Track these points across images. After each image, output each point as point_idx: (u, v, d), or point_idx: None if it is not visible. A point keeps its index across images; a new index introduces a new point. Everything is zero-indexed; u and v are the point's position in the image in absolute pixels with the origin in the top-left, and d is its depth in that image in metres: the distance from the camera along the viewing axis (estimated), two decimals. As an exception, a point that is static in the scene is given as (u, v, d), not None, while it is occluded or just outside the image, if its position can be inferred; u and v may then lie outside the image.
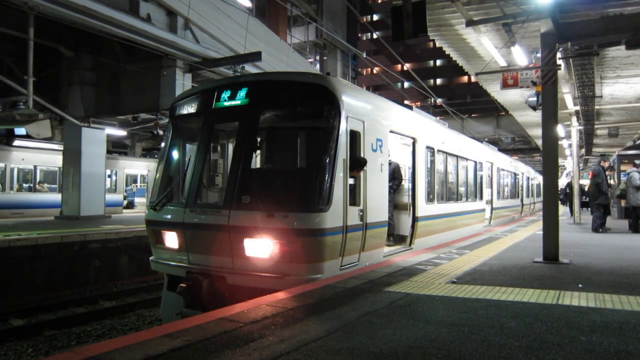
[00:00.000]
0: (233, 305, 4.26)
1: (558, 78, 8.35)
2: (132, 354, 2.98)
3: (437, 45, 12.65)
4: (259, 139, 6.73)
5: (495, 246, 9.10)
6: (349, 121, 5.90)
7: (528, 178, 24.56)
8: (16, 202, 19.88)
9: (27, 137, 18.84)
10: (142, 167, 27.33)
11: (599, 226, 12.75)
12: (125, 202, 25.82)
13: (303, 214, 5.37)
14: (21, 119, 12.90)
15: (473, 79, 34.28)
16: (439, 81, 75.43)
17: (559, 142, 18.88)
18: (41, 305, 9.70)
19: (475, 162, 12.91)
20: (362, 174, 6.16)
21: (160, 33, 13.72)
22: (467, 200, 12.05)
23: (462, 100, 55.54)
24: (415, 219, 8.20)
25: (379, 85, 62.50)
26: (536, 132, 24.77)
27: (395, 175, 8.68)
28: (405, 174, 9.25)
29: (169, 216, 6.35)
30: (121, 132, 21.17)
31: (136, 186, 28.31)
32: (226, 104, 6.25)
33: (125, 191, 26.41)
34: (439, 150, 9.58)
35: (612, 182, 17.38)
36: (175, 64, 14.89)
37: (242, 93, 6.14)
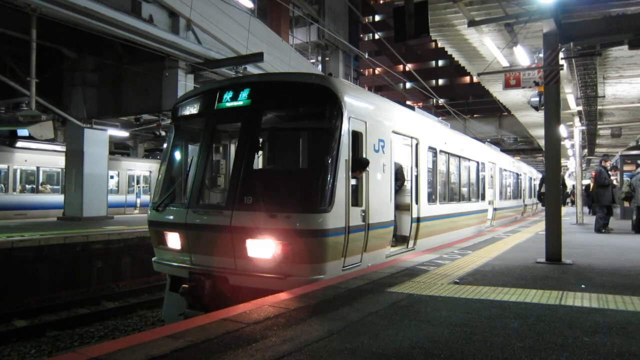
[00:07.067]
0: (235, 306, 4.27)
1: (560, 78, 8.33)
2: (134, 355, 2.98)
3: (439, 45, 12.64)
4: (261, 140, 6.73)
5: (498, 247, 9.08)
6: (351, 122, 5.90)
7: (530, 178, 24.54)
8: (19, 203, 19.95)
9: (30, 138, 18.89)
10: (145, 168, 27.38)
11: (601, 227, 12.71)
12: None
13: (305, 214, 5.37)
14: (24, 120, 12.93)
15: (475, 79, 34.23)
16: (441, 81, 75.30)
17: (562, 143, 18.85)
18: (44, 306, 9.73)
19: (478, 163, 12.90)
20: (364, 174, 6.16)
21: (162, 34, 13.74)
22: (469, 200, 12.03)
23: (464, 100, 55.43)
24: (417, 220, 8.20)
25: (381, 86, 62.43)
26: (539, 133, 24.73)
27: (397, 176, 8.67)
28: (408, 174, 9.24)
29: (171, 217, 6.36)
30: (123, 133, 21.23)
31: (139, 187, 28.37)
32: (228, 104, 6.26)
33: (128, 192, 26.46)
34: (441, 151, 9.57)
35: (614, 180, 17.27)
36: (177, 65, 14.91)
37: (244, 94, 6.15)
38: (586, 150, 25.14)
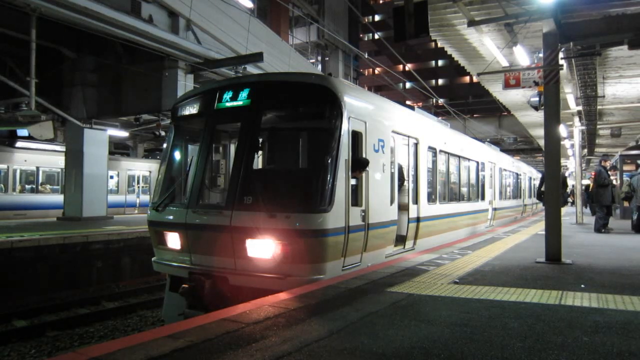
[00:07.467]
0: (235, 306, 4.27)
1: (560, 78, 8.33)
2: (134, 355, 2.98)
3: (439, 45, 12.63)
4: (260, 140, 6.73)
5: (498, 246, 9.08)
6: (351, 122, 5.90)
7: (530, 178, 24.56)
8: (19, 203, 19.95)
9: (30, 138, 18.90)
10: (144, 168, 27.38)
11: (601, 226, 12.71)
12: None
13: (305, 214, 5.37)
14: (23, 121, 12.95)
15: (475, 79, 34.26)
16: (440, 81, 75.21)
17: (562, 143, 18.85)
18: (44, 306, 9.72)
19: (477, 163, 12.90)
20: (364, 174, 6.16)
21: (162, 34, 13.74)
22: (469, 200, 12.03)
23: (464, 100, 55.50)
24: (417, 220, 8.20)
25: (381, 86, 62.38)
26: (538, 133, 24.73)
27: (397, 175, 8.67)
28: (407, 174, 9.25)
29: (171, 217, 6.36)
30: (123, 133, 21.22)
31: (139, 187, 28.38)
32: (228, 104, 6.26)
33: (127, 192, 26.47)
34: (441, 151, 9.58)
35: (614, 180, 17.26)
36: (177, 65, 14.91)
37: (244, 94, 6.15)
38: (586, 150, 25.14)
